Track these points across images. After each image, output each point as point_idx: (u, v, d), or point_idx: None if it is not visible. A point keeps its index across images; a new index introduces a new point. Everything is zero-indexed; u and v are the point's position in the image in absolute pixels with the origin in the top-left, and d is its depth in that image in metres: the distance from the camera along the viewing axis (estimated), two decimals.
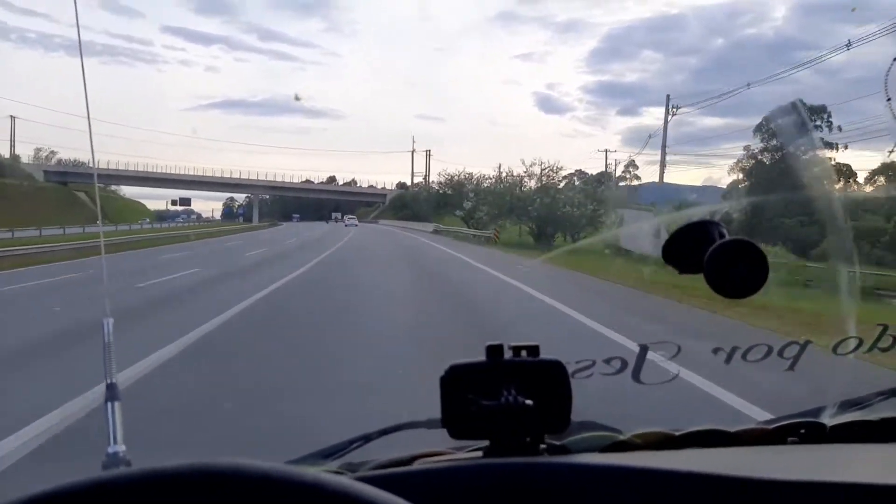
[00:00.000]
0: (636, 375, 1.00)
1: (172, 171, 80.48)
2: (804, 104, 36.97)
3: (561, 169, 41.83)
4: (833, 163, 38.29)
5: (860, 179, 40.00)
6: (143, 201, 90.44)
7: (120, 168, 74.34)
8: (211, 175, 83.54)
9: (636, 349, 1.01)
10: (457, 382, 0.85)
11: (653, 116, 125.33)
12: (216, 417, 4.60)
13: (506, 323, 9.29)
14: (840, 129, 37.61)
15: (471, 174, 58.65)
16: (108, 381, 0.94)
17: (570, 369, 0.89)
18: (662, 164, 35.85)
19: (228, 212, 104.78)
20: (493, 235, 36.30)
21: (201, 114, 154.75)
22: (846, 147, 38.37)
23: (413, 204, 74.59)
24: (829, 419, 1.00)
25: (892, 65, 1.78)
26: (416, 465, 0.86)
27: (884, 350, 1.04)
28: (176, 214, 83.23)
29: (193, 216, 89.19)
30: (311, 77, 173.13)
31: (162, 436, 3.93)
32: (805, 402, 1.05)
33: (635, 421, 1.01)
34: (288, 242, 34.22)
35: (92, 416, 4.24)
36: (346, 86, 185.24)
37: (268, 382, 5.58)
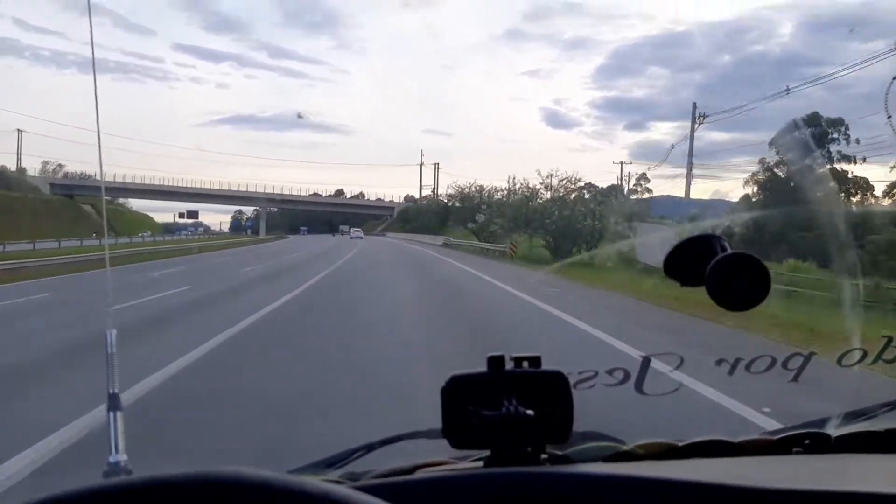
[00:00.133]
0: (639, 386, 1.00)
1: (181, 185, 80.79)
2: (820, 117, 36.57)
3: (579, 181, 40.24)
4: (850, 175, 37.95)
5: (878, 193, 39.29)
6: (151, 214, 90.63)
7: (127, 181, 74.45)
8: (219, 188, 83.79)
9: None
10: (457, 393, 0.85)
11: (660, 131, 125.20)
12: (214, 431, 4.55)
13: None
14: (858, 141, 37.08)
15: (482, 186, 57.58)
16: (111, 391, 0.94)
17: (572, 380, 0.89)
18: (689, 176, 34.21)
19: (237, 224, 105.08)
20: (508, 249, 34.40)
21: (211, 129, 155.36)
22: (864, 160, 37.74)
23: (421, 217, 73.87)
24: (833, 430, 1.00)
25: (892, 83, 1.79)
26: (418, 475, 0.86)
27: (889, 362, 1.04)
28: (182, 227, 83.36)
29: (201, 229, 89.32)
30: (321, 93, 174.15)
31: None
32: (809, 413, 1.05)
33: (638, 431, 1.00)
34: (290, 257, 33.06)
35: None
36: (355, 102, 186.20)
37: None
